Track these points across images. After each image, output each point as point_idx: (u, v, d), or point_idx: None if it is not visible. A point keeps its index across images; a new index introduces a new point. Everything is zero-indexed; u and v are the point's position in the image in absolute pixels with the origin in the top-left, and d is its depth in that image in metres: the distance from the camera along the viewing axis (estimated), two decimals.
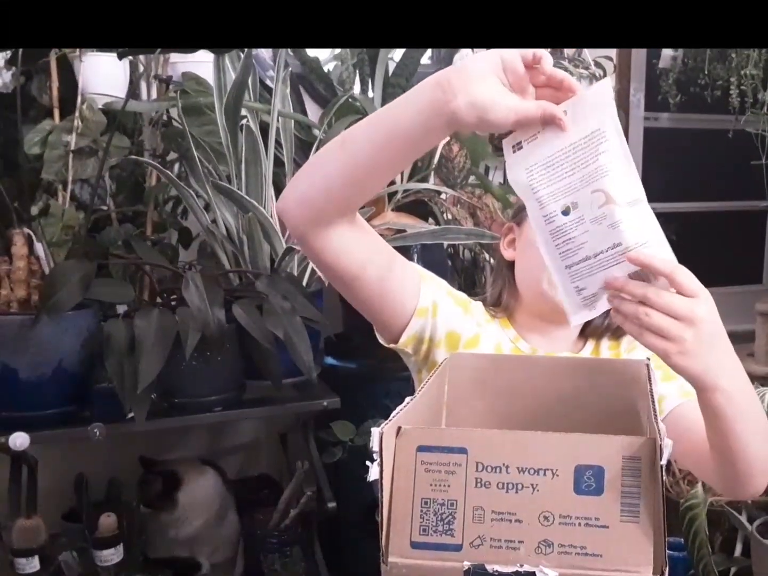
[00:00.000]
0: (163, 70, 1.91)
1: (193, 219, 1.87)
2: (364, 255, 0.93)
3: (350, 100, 2.03)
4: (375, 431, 0.65)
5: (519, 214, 1.13)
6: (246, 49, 1.58)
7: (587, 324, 1.14)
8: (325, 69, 2.34)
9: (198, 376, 1.58)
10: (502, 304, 1.13)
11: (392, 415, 0.69)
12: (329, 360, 1.91)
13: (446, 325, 1.03)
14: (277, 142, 1.88)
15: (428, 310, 1.01)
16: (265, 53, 2.29)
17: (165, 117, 1.92)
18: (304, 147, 2.01)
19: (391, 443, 0.67)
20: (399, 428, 0.68)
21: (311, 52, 2.46)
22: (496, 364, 0.90)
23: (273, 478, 2.08)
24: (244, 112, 1.85)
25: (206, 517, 1.85)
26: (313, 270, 1.78)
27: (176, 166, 1.93)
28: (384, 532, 0.65)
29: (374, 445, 0.65)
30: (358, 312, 1.02)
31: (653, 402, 0.72)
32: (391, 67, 2.21)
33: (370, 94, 2.17)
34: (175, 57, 1.96)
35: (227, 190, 1.63)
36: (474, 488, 0.66)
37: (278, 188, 1.91)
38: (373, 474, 0.65)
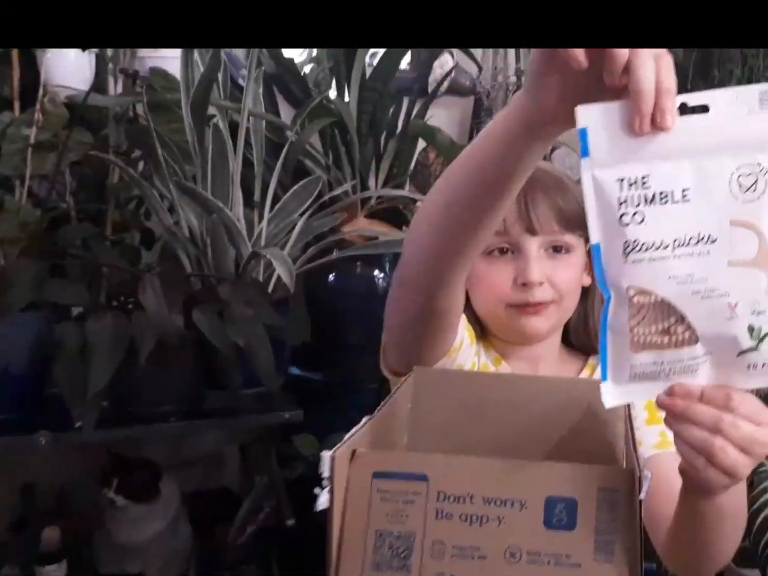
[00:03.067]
0: (130, 64, 1.84)
1: (157, 220, 1.79)
2: (460, 311, 0.89)
3: (324, 102, 1.97)
4: (326, 455, 0.58)
5: None
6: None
7: (584, 341, 1.08)
8: (302, 72, 2.28)
9: (153, 384, 1.51)
10: (476, 331, 1.06)
11: (347, 436, 0.62)
12: (294, 370, 1.84)
13: (459, 359, 0.97)
14: (248, 143, 1.82)
15: (456, 349, 0.95)
16: (239, 51, 2.22)
17: (132, 113, 1.85)
18: (276, 149, 1.94)
19: (344, 468, 0.60)
20: (354, 451, 0.61)
21: (287, 53, 2.40)
22: (466, 381, 0.84)
23: (232, 492, 2.00)
24: (213, 110, 1.78)
25: (164, 524, 1.77)
26: (279, 276, 1.71)
27: (141, 165, 1.85)
28: (332, 568, 0.59)
29: (325, 470, 0.58)
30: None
31: (631, 429, 0.67)
32: (369, 72, 2.15)
33: (347, 98, 2.11)
34: (143, 51, 1.88)
35: (191, 190, 1.56)
36: (434, 520, 0.60)
37: (247, 190, 1.84)
38: (322, 502, 0.58)
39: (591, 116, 0.60)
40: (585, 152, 0.61)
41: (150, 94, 1.75)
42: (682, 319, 0.62)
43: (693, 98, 0.60)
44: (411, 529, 0.60)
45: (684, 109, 0.61)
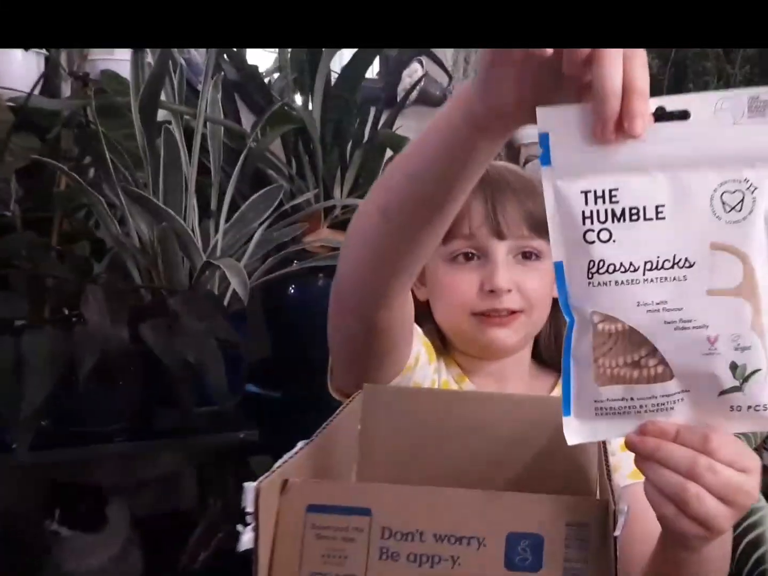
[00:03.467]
0: (81, 66, 1.75)
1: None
2: (407, 328, 0.81)
3: (286, 108, 1.89)
4: (249, 486, 0.50)
5: None
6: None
7: (555, 356, 1.00)
8: (267, 81, 2.20)
9: (97, 402, 1.41)
10: (437, 345, 0.97)
11: (277, 463, 0.54)
12: (252, 388, 1.74)
13: (415, 377, 0.88)
14: (205, 150, 1.73)
15: (411, 366, 0.87)
16: (199, 58, 2.14)
17: (84, 118, 1.76)
18: (236, 157, 1.86)
19: (272, 501, 0.52)
20: (285, 481, 0.53)
21: (250, 60, 2.32)
22: (423, 400, 0.76)
23: (187, 515, 1.90)
24: (167, 116, 1.70)
25: (113, 552, 1.67)
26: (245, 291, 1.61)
27: (92, 172, 1.76)
28: None
29: (248, 503, 0.50)
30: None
31: (605, 455, 0.59)
32: (334, 79, 2.08)
33: (310, 106, 2.03)
34: (95, 53, 1.80)
35: (140, 197, 1.47)
36: (378, 561, 0.52)
37: (203, 198, 1.76)
38: (245, 542, 0.50)
39: (553, 119, 0.53)
40: (546, 160, 0.54)
41: (100, 97, 1.67)
42: (653, 351, 0.55)
43: (671, 102, 0.53)
44: (351, 572, 0.52)
45: (661, 115, 0.53)
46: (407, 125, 2.24)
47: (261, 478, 0.51)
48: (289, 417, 1.69)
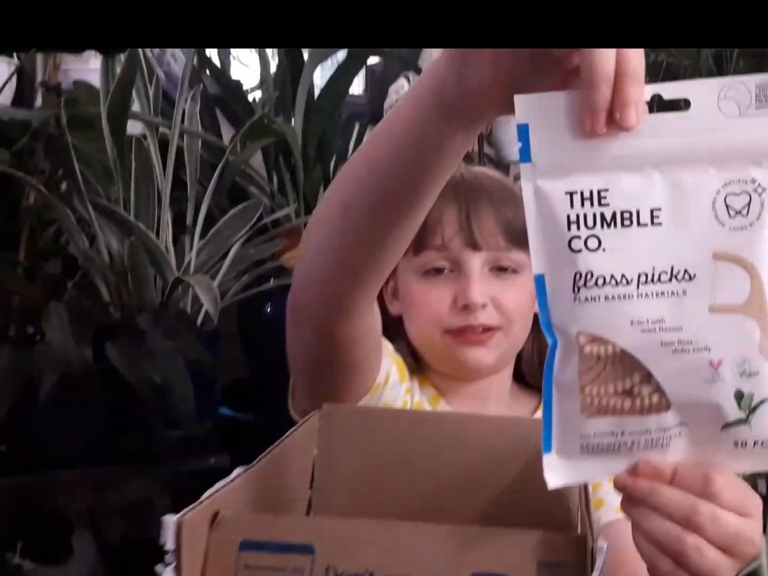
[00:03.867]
0: (53, 77, 1.69)
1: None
2: (371, 343, 0.73)
3: (266, 122, 1.83)
4: (168, 520, 0.43)
5: None
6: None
7: (539, 377, 0.92)
8: (252, 99, 2.16)
9: (59, 424, 1.34)
10: (410, 364, 0.90)
11: (207, 492, 0.47)
12: (224, 411, 1.67)
13: (385, 398, 0.81)
14: (182, 164, 1.68)
15: (380, 385, 0.79)
16: (179, 71, 2.09)
17: (55, 130, 1.70)
18: (214, 171, 1.81)
19: (199, 537, 0.45)
20: (216, 514, 0.46)
21: (233, 75, 2.28)
22: (388, 421, 0.69)
23: (156, 544, 1.82)
24: (141, 128, 1.64)
25: None
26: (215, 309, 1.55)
27: (64, 185, 1.70)
28: None
29: (167, 540, 0.43)
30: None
31: (585, 486, 0.52)
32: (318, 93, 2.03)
33: (292, 120, 1.98)
34: (68, 64, 1.74)
35: (109, 211, 1.42)
36: None
37: (179, 214, 1.70)
38: None
39: (534, 109, 0.46)
40: (526, 156, 0.47)
41: (72, 108, 1.61)
42: (648, 377, 0.48)
43: (669, 90, 0.46)
44: None
45: (658, 105, 0.47)
46: None
47: (185, 510, 0.44)
48: (263, 442, 1.61)
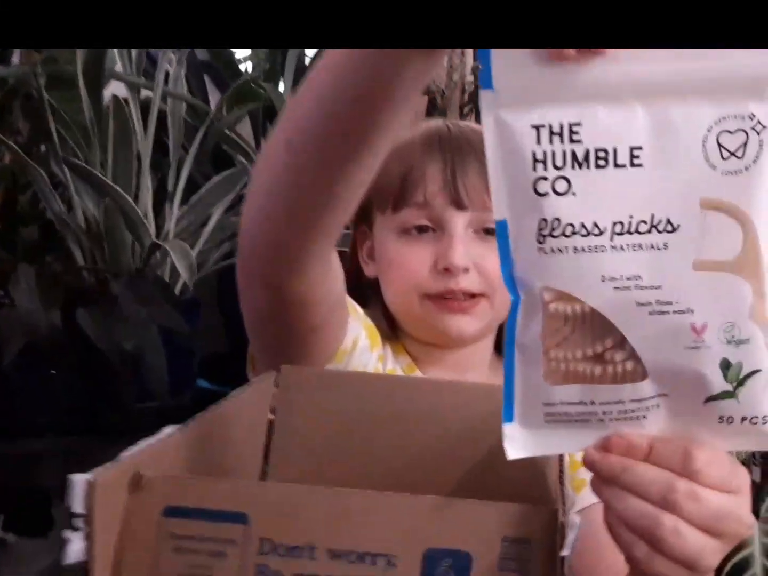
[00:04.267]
0: None
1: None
2: (331, 304, 0.66)
3: (253, 86, 1.77)
4: (77, 480, 0.37)
5: (369, 212, 0.82)
6: None
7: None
8: (242, 68, 2.10)
9: (26, 393, 1.29)
10: (384, 330, 0.84)
11: (127, 451, 0.41)
12: (203, 383, 1.62)
13: (353, 365, 0.74)
14: (166, 127, 1.62)
15: (347, 351, 0.72)
16: None
17: (35, 90, 1.64)
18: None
19: (116, 501, 0.40)
20: (137, 475, 0.40)
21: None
22: (350, 384, 0.63)
23: None
24: (124, 91, 1.59)
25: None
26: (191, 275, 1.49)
27: (43, 147, 1.64)
28: None
29: (75, 503, 0.37)
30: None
31: (561, 461, 0.47)
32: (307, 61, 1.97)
33: (281, 86, 1.92)
34: None
35: (84, 171, 1.35)
36: None
37: (160, 179, 1.64)
38: (73, 553, 0.37)
39: None
40: (486, 81, 0.41)
41: (51, 67, 1.55)
42: (622, 342, 0.42)
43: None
44: None
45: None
46: None
47: (98, 469, 0.38)
48: None
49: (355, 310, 0.75)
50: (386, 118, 0.49)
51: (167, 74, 1.70)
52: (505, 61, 0.41)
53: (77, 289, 1.37)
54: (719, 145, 0.40)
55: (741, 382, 0.42)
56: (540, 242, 0.41)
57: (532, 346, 0.43)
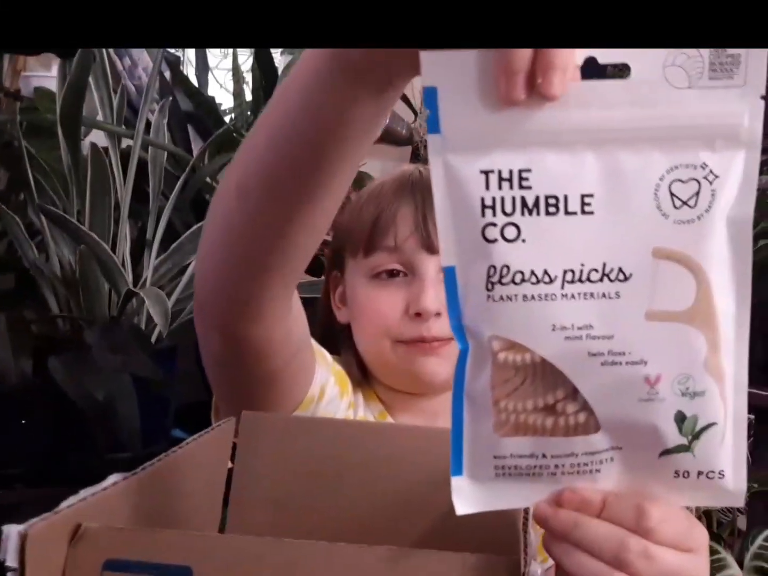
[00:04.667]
0: (12, 82, 1.64)
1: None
2: (292, 349, 0.64)
3: (234, 135, 1.77)
4: (9, 532, 0.35)
5: (341, 256, 0.81)
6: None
7: None
8: (227, 119, 2.11)
9: None
10: (356, 376, 0.82)
11: (67, 501, 0.39)
12: (178, 433, 1.59)
13: (321, 413, 0.72)
14: (146, 176, 1.61)
15: (314, 399, 0.70)
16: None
17: (15, 138, 1.64)
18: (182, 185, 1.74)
19: (54, 553, 0.37)
20: (78, 527, 0.38)
21: (210, 91, 2.24)
22: (315, 430, 0.61)
23: None
24: (104, 141, 1.58)
25: None
26: (169, 323, 1.47)
27: (23, 196, 1.63)
28: None
29: (9, 557, 0.35)
30: None
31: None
32: None
33: None
34: (31, 70, 1.69)
35: (59, 218, 1.34)
36: None
37: (140, 226, 1.63)
38: None
39: (444, 69, 0.39)
40: (434, 126, 0.39)
41: (30, 116, 1.55)
42: (573, 393, 0.41)
43: (606, 54, 0.39)
44: None
45: (592, 71, 0.40)
46: (371, 164, 2.14)
47: (35, 519, 0.36)
48: None
49: (323, 356, 0.74)
50: (339, 160, 0.48)
51: (150, 123, 1.71)
52: (453, 104, 0.39)
53: (50, 337, 1.34)
54: (671, 194, 0.39)
55: (696, 436, 0.41)
56: (489, 290, 0.40)
57: (481, 396, 0.41)
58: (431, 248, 0.77)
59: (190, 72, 2.26)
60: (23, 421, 1.25)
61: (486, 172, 0.39)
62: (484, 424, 0.41)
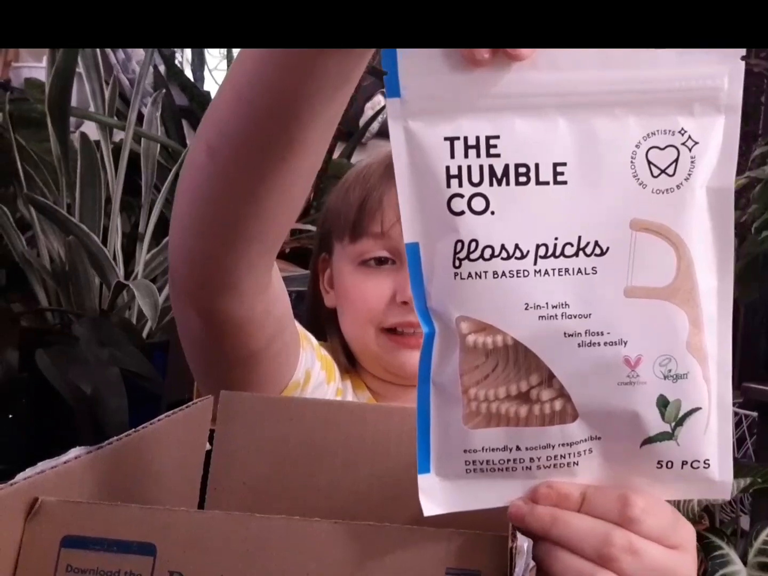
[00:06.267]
0: (3, 73, 1.62)
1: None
2: (273, 328, 0.61)
3: None
4: None
5: (329, 239, 0.79)
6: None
7: None
8: None
9: None
10: (343, 363, 0.79)
11: (25, 472, 0.37)
12: None
13: (309, 395, 0.70)
14: (137, 167, 1.59)
15: (299, 384, 0.67)
16: (146, 82, 2.01)
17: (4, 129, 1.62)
18: (174, 178, 1.72)
19: (11, 527, 0.35)
20: (35, 501, 0.36)
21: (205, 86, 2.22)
22: (296, 411, 0.58)
23: None
24: (96, 134, 1.56)
25: None
26: (161, 317, 1.45)
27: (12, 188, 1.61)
28: None
29: None
30: None
31: None
32: None
33: None
34: (21, 61, 1.67)
35: (48, 209, 1.32)
36: None
37: (131, 219, 1.61)
38: None
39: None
40: (393, 89, 0.37)
41: (20, 106, 1.53)
42: (549, 379, 0.38)
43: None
44: None
45: None
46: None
47: None
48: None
49: (308, 340, 0.71)
50: (307, 116, 0.45)
51: (143, 116, 1.69)
52: (414, 65, 0.36)
53: (38, 330, 1.32)
54: (649, 161, 0.37)
55: (680, 422, 0.37)
56: (456, 267, 0.36)
57: (449, 385, 0.38)
58: None
59: (186, 68, 2.24)
60: (9, 416, 1.22)
61: (451, 139, 0.36)
62: (453, 415, 0.38)
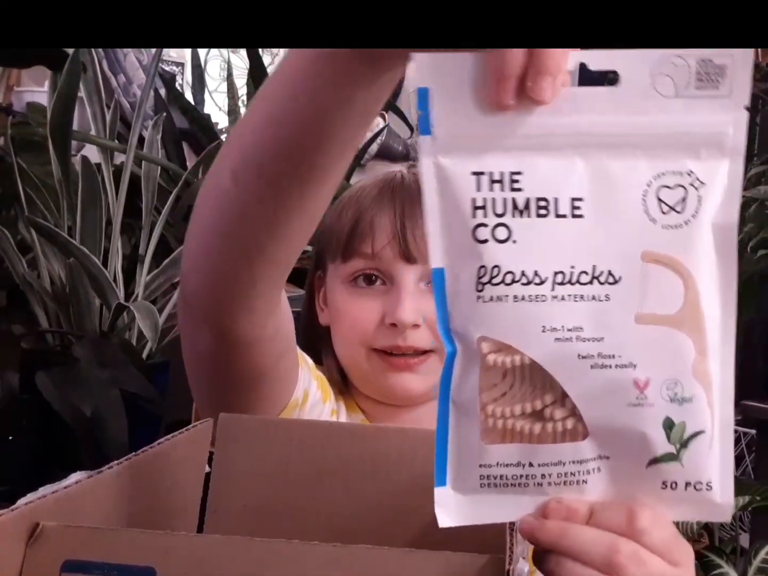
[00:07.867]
0: (5, 98, 1.63)
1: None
2: (281, 347, 0.62)
3: None
4: None
5: (322, 256, 0.79)
6: (72, 52, 1.31)
7: None
8: (225, 137, 2.10)
9: None
10: (337, 383, 0.79)
11: (26, 498, 0.37)
12: None
13: (306, 417, 0.70)
14: (138, 190, 1.60)
15: (298, 403, 0.68)
16: (147, 106, 2.03)
17: (8, 154, 1.63)
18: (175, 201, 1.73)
19: (9, 552, 0.35)
20: (36, 526, 0.36)
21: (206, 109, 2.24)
22: (296, 432, 0.59)
23: None
24: (98, 157, 1.57)
25: None
26: (161, 338, 1.45)
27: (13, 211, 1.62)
28: None
29: None
30: None
31: None
32: None
33: None
34: (24, 85, 1.69)
35: (49, 232, 1.33)
36: None
37: (132, 241, 1.62)
38: None
39: (438, 70, 0.39)
40: (425, 127, 0.40)
41: (22, 130, 1.55)
42: (562, 398, 0.40)
43: (596, 59, 0.39)
44: None
45: (583, 77, 0.40)
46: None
47: None
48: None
49: (305, 360, 0.71)
50: (335, 142, 0.47)
51: (143, 139, 1.70)
52: (445, 106, 0.39)
53: (38, 351, 1.32)
54: (659, 199, 0.40)
55: (684, 444, 0.40)
56: (479, 290, 0.39)
57: (468, 402, 0.40)
58: (409, 258, 0.74)
59: (186, 91, 2.26)
60: (10, 437, 1.23)
61: (477, 174, 0.39)
62: (471, 431, 0.40)
